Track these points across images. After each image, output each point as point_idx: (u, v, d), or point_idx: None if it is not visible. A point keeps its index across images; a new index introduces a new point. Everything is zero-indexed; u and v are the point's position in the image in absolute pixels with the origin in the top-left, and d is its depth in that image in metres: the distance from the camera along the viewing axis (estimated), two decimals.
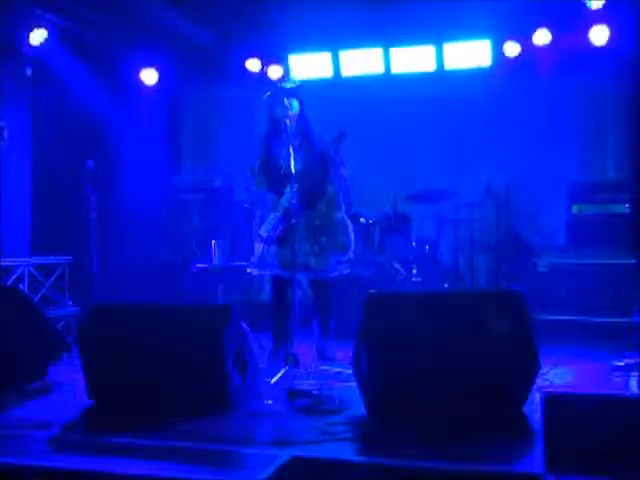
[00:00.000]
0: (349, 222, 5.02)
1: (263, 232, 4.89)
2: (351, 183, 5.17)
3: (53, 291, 6.07)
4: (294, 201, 4.53)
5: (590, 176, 6.68)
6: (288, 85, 4.89)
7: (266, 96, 4.93)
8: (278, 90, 4.88)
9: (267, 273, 5.00)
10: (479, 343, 3.39)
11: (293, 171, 4.55)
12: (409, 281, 6.20)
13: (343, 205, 5.02)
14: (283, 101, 4.81)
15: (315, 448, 2.95)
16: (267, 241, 4.90)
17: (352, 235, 5.00)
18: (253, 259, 4.99)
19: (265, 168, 4.98)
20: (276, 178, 4.91)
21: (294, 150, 4.67)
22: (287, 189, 4.79)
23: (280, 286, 5.00)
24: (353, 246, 5.01)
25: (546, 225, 6.66)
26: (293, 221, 4.51)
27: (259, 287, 6.24)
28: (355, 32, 6.88)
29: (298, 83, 4.95)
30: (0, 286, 5.34)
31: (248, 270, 5.07)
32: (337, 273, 4.96)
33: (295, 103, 4.87)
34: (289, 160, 4.62)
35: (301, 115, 4.91)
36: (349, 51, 7.14)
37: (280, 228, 4.86)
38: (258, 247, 4.96)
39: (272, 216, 4.88)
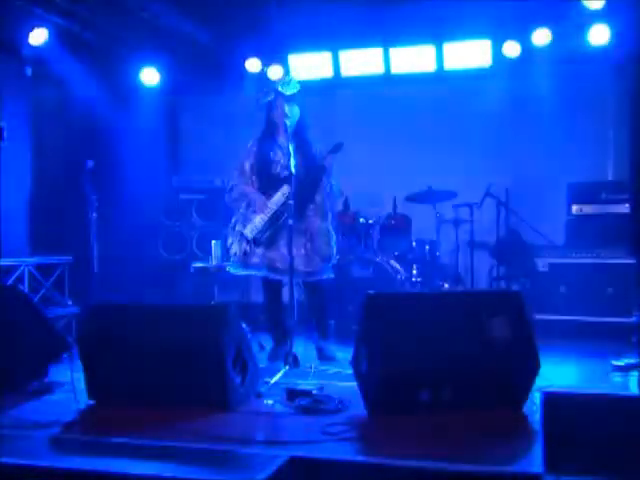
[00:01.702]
0: (334, 233, 5.01)
1: (249, 233, 4.86)
2: (344, 188, 5.18)
3: (53, 291, 6.07)
4: (292, 202, 4.52)
5: (590, 176, 6.68)
6: (289, 92, 4.87)
7: (266, 100, 4.92)
8: (278, 95, 4.87)
9: (251, 274, 4.96)
10: (479, 343, 3.39)
11: (293, 172, 4.54)
12: (409, 281, 6.20)
13: (330, 215, 5.01)
14: (283, 107, 4.81)
15: (315, 448, 2.95)
16: (254, 242, 4.85)
17: (335, 247, 5.00)
18: (234, 258, 4.94)
19: (257, 168, 4.96)
20: (267, 180, 4.90)
21: (294, 154, 4.67)
22: (279, 191, 4.79)
23: (272, 287, 5.00)
24: (335, 258, 5.01)
25: (546, 225, 6.65)
26: (290, 222, 4.50)
27: (258, 287, 6.22)
28: (355, 32, 6.88)
29: (298, 88, 4.93)
30: (0, 285, 5.34)
31: (228, 269, 5.04)
32: (325, 276, 4.96)
33: (295, 109, 4.87)
34: (287, 163, 4.63)
35: (300, 120, 4.90)
36: (349, 51, 7.13)
37: (269, 229, 4.84)
38: (240, 246, 4.90)
39: (259, 217, 4.85)
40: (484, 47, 6.80)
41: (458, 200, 6.64)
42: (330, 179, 4.91)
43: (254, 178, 4.96)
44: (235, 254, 4.92)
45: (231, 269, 5.00)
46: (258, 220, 4.85)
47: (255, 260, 4.85)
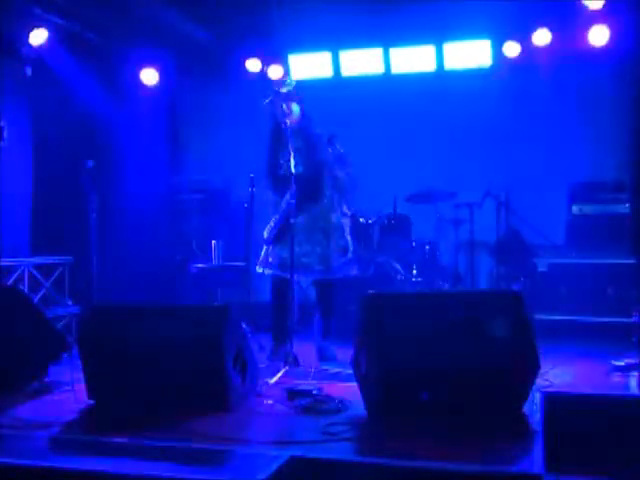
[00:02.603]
0: (346, 224, 5.05)
1: (266, 233, 5.01)
2: (355, 182, 5.20)
3: (53, 291, 6.07)
4: (293, 201, 4.55)
5: (590, 176, 6.68)
6: (285, 89, 4.89)
7: (266, 102, 4.95)
8: (276, 95, 4.90)
9: (269, 272, 5.04)
10: (479, 343, 3.39)
11: (293, 172, 4.57)
12: (409, 281, 6.20)
13: (339, 208, 5.05)
14: (282, 106, 4.84)
15: (315, 448, 2.95)
16: (266, 242, 4.98)
17: (349, 237, 5.03)
18: (261, 259, 5.10)
19: (269, 171, 5.03)
20: (279, 180, 4.96)
21: (295, 152, 4.70)
22: (289, 191, 4.82)
23: (279, 286, 5.02)
24: (352, 247, 5.05)
25: (546, 225, 6.65)
26: (292, 221, 4.53)
27: (259, 287, 6.23)
28: (355, 32, 6.88)
29: (294, 85, 4.96)
30: (0, 286, 5.34)
31: (257, 269, 5.17)
32: (342, 274, 5.00)
33: (294, 106, 4.89)
34: (296, 162, 4.67)
35: (302, 117, 4.92)
36: (349, 51, 7.14)
37: (276, 229, 4.91)
38: (264, 247, 5.07)
39: (273, 218, 4.98)
40: (484, 47, 6.81)
41: (458, 200, 6.64)
42: (333, 171, 4.95)
43: (269, 180, 5.03)
44: (262, 254, 5.09)
45: (258, 269, 5.13)
46: (272, 220, 5.00)
47: (271, 259, 4.99)
